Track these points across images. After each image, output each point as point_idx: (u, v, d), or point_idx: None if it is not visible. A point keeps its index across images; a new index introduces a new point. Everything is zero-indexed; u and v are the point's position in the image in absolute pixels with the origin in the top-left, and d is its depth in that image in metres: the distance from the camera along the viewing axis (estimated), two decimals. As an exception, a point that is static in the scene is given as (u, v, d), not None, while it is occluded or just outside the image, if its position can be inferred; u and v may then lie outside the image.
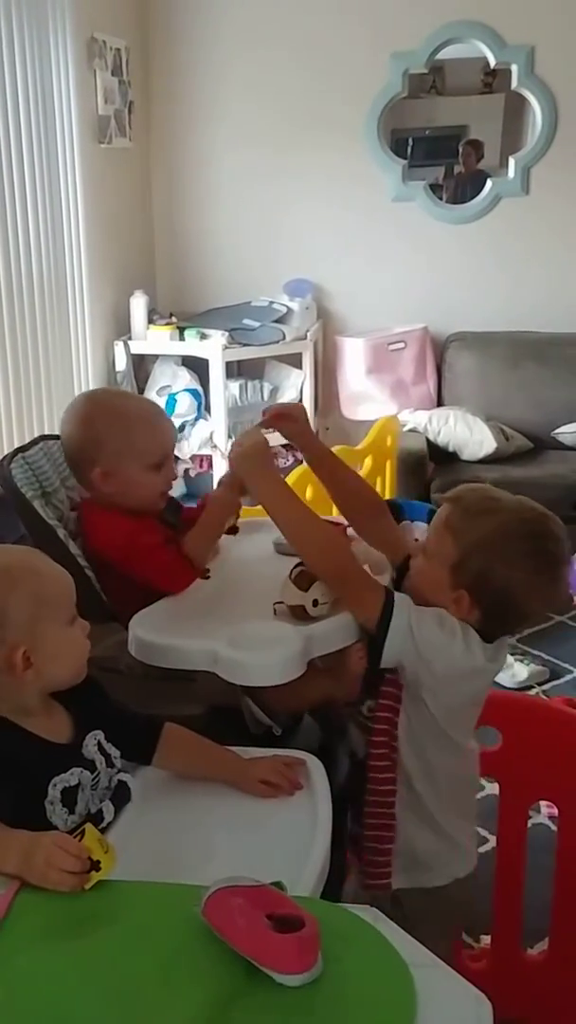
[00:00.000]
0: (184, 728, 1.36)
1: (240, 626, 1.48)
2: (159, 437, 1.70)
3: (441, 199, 4.53)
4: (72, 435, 1.69)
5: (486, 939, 1.91)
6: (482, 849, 2.02)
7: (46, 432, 2.23)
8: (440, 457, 4.05)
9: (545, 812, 2.30)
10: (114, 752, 1.26)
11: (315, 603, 1.49)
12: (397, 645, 1.38)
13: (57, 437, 1.76)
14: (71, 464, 1.73)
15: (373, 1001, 0.80)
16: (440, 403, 4.39)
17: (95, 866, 1.00)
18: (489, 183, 4.41)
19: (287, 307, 4.32)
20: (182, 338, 4.19)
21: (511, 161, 4.36)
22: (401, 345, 4.39)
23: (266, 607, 1.55)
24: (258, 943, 0.83)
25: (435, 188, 4.54)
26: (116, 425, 1.67)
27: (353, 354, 4.40)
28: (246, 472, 1.53)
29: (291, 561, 1.57)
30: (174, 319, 4.30)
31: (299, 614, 1.50)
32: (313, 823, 1.24)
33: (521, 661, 3.20)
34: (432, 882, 1.48)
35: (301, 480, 3.24)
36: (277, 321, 4.27)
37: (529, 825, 2.28)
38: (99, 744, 1.24)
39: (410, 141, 4.69)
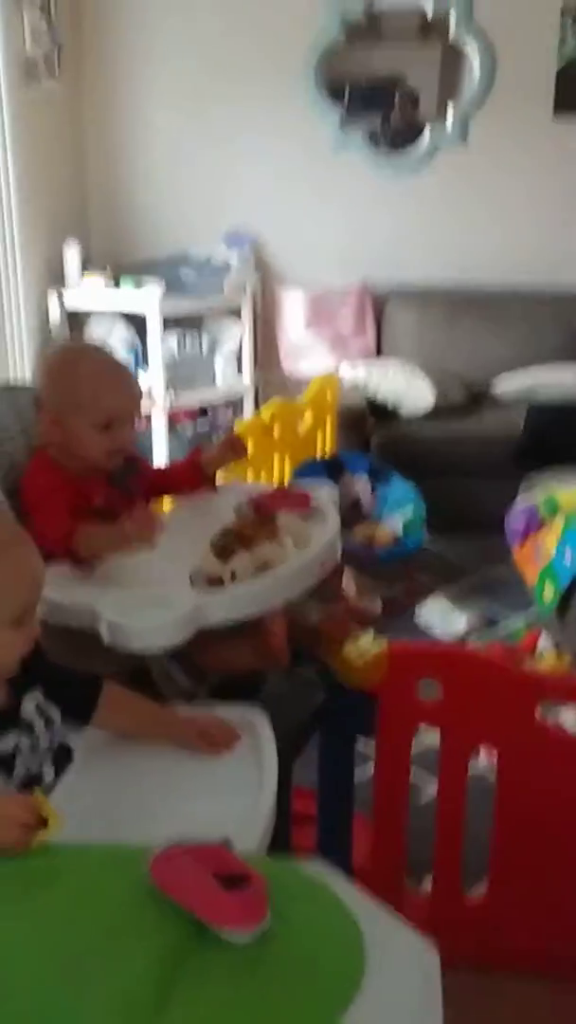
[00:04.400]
0: (122, 687, 1.34)
1: (126, 588, 1.46)
2: (107, 398, 1.68)
3: (382, 150, 4.47)
4: (35, 378, 1.80)
5: (428, 883, 1.95)
6: (423, 799, 2.08)
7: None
8: (380, 412, 4.05)
9: (486, 760, 2.35)
10: (53, 711, 1.24)
11: (233, 575, 1.49)
12: None
13: (26, 389, 1.83)
14: (35, 407, 1.77)
15: (321, 954, 0.80)
16: (379, 356, 4.38)
17: (43, 823, 0.98)
18: (426, 133, 4.37)
19: (225, 259, 4.25)
20: (117, 286, 4.10)
21: (449, 111, 4.32)
22: (340, 298, 4.36)
23: (185, 571, 1.54)
24: (205, 901, 0.82)
25: (375, 139, 4.48)
26: (67, 377, 1.70)
27: (292, 307, 4.36)
28: None
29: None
30: (108, 270, 4.20)
31: (215, 584, 1.50)
32: (259, 777, 1.25)
33: (461, 612, 3.25)
34: None
35: (240, 435, 3.23)
36: (215, 273, 4.20)
37: (474, 772, 2.35)
38: (38, 705, 1.22)
39: (346, 90, 4.60)
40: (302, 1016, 0.75)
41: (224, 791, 1.25)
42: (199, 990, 0.77)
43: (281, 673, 1.79)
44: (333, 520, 1.75)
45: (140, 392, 1.80)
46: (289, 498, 1.79)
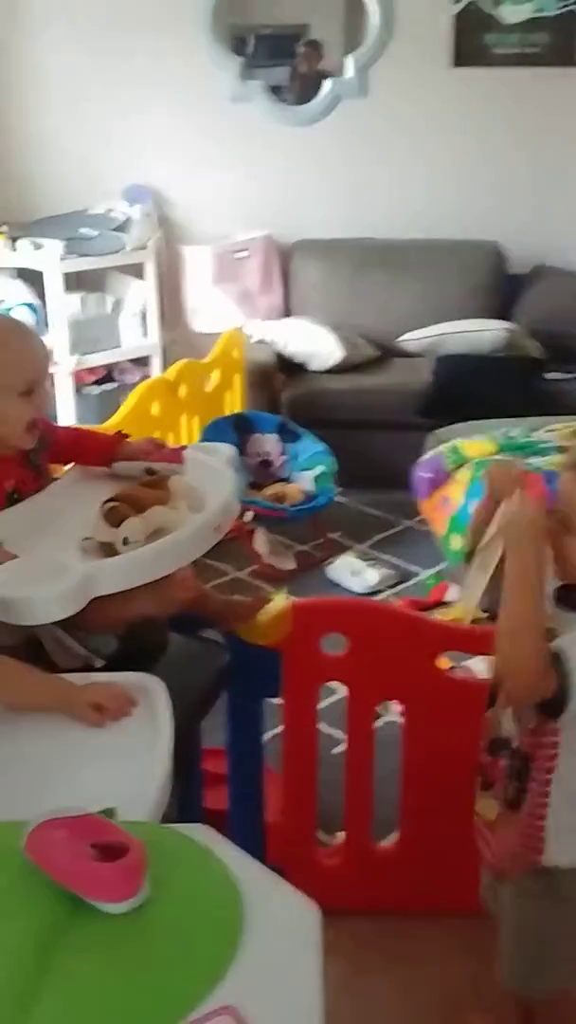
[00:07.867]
0: (11, 659, 1.31)
1: (15, 561, 1.43)
2: (25, 362, 1.55)
3: (285, 101, 4.39)
4: None
5: (341, 836, 1.97)
6: (335, 750, 2.09)
7: None
8: (289, 368, 4.03)
9: (395, 710, 2.38)
10: None
11: (125, 541, 1.46)
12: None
13: None
14: None
15: (199, 919, 0.80)
16: (287, 313, 4.34)
17: None
18: (327, 83, 4.30)
19: (126, 215, 4.14)
20: (14, 248, 3.97)
21: (349, 60, 4.27)
22: (245, 253, 4.30)
23: (77, 538, 1.51)
24: (80, 874, 0.81)
25: (277, 90, 4.40)
26: None
27: (197, 263, 4.28)
28: (513, 540, 1.35)
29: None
30: (5, 228, 4.06)
31: (108, 551, 1.47)
32: (154, 745, 1.23)
33: (372, 566, 3.27)
34: None
35: (146, 396, 3.18)
36: (116, 229, 4.09)
37: (381, 724, 2.37)
38: None
39: (251, 40, 4.49)
40: (177, 981, 0.74)
41: (118, 759, 1.23)
42: (76, 963, 0.76)
43: (186, 636, 1.77)
44: (229, 482, 1.71)
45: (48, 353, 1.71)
46: (164, 451, 1.75)
